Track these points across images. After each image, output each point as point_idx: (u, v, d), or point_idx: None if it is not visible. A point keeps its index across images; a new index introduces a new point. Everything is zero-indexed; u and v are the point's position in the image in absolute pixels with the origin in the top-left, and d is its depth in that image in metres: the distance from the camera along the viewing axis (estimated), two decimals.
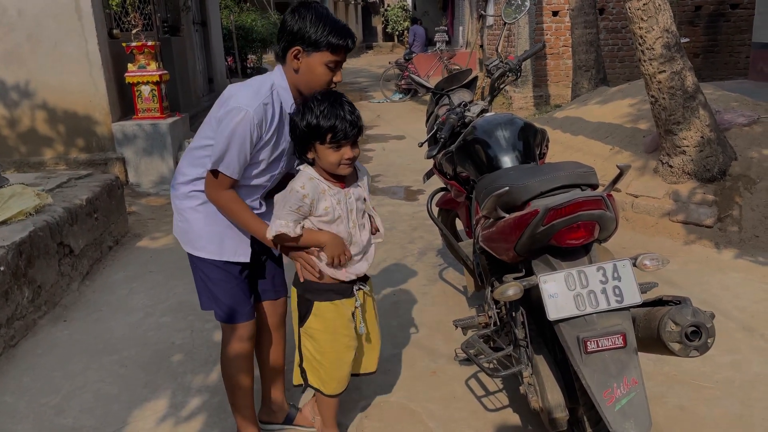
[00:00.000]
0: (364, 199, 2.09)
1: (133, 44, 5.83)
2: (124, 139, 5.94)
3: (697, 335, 1.66)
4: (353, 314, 2.11)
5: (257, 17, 14.91)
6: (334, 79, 1.97)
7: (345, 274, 2.06)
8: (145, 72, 5.90)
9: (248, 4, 16.90)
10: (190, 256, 2.16)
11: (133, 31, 5.90)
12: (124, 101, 6.20)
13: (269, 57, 19.91)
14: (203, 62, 9.88)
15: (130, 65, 5.93)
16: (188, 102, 8.06)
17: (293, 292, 2.15)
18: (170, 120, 6.08)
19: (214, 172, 1.96)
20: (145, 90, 5.97)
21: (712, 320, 1.70)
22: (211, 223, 2.09)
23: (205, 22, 9.99)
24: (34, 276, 3.29)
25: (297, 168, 2.05)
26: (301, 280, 2.07)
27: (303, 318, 2.10)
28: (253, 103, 1.88)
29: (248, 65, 14.80)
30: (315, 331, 2.09)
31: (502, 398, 2.58)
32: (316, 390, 2.19)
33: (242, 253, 2.13)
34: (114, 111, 6.00)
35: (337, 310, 2.08)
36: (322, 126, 1.87)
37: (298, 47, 1.89)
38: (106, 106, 5.90)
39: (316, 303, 2.07)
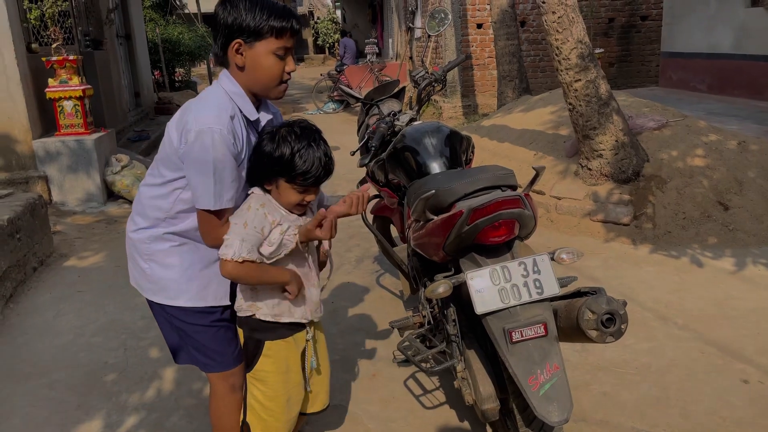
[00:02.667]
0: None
1: (54, 58, 5.64)
2: (46, 156, 5.72)
3: (612, 322, 1.79)
4: (305, 348, 1.95)
5: (184, 30, 14.65)
6: (287, 68, 1.76)
7: (304, 313, 1.90)
8: (67, 87, 5.71)
9: (174, 17, 16.58)
10: (160, 307, 1.90)
11: (53, 45, 5.71)
12: (45, 117, 5.97)
13: (198, 70, 19.56)
14: (129, 76, 9.65)
15: (51, 80, 5.73)
16: (114, 117, 7.84)
17: (239, 333, 1.94)
18: (95, 136, 5.91)
19: (207, 211, 1.72)
20: (68, 105, 5.78)
21: (625, 308, 1.84)
22: (191, 265, 1.85)
23: (129, 35, 9.77)
24: None
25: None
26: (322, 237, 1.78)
27: (251, 361, 1.89)
28: (220, 120, 1.65)
29: (176, 79, 14.51)
30: (266, 374, 1.89)
31: (439, 396, 2.67)
32: None
33: (224, 295, 1.91)
34: (35, 128, 5.78)
35: (289, 347, 1.90)
36: (297, 166, 1.71)
37: (238, 40, 1.69)
38: (26, 123, 5.68)
39: (267, 343, 1.86)
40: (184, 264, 1.84)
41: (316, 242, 1.94)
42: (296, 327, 1.91)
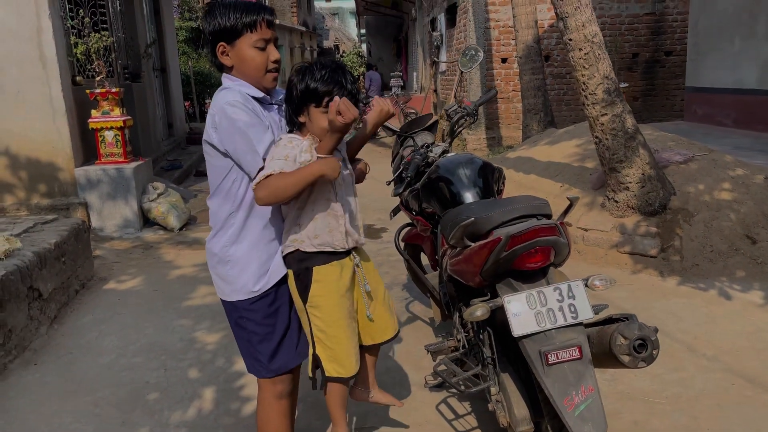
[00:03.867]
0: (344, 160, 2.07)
1: (97, 91, 5.92)
2: (87, 184, 5.95)
3: (644, 347, 1.86)
4: (355, 276, 2.07)
5: None
6: (270, 58, 1.94)
7: (343, 243, 2.01)
8: (108, 117, 5.97)
9: (206, 50, 17.13)
10: (237, 312, 2.04)
11: (98, 78, 5.99)
12: (86, 146, 6.24)
13: None
14: (163, 107, 9.99)
15: (93, 111, 6.00)
16: (149, 146, 8.12)
17: (290, 276, 2.04)
18: (134, 164, 6.14)
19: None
20: (109, 135, 6.03)
21: (656, 334, 1.91)
22: (268, 259, 2.02)
23: (164, 68, 10.14)
24: (5, 320, 3.30)
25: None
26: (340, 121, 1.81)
27: (305, 292, 2.00)
28: (230, 94, 1.87)
29: (206, 110, 14.96)
30: (320, 299, 1.99)
31: (471, 420, 2.72)
32: (335, 379, 2.05)
33: (278, 270, 2.05)
34: (77, 156, 6.03)
35: (335, 271, 2.01)
36: (322, 90, 1.87)
37: (221, 43, 1.90)
38: (70, 152, 5.93)
39: (315, 268, 1.99)
40: (261, 258, 2.01)
41: (347, 172, 2.06)
42: (340, 254, 2.04)
